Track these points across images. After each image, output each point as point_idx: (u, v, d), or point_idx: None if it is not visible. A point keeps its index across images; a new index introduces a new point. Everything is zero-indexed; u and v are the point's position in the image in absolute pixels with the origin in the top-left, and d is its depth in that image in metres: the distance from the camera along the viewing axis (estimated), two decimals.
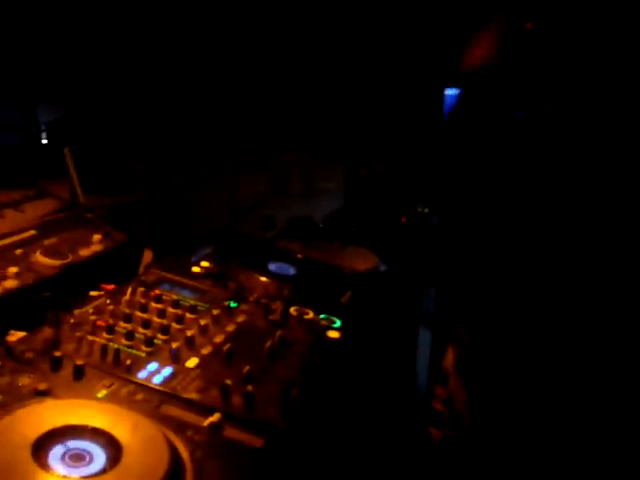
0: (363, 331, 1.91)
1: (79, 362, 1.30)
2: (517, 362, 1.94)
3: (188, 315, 1.63)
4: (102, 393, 1.27)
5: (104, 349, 1.40)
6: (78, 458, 1.05)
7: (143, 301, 1.64)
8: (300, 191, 3.31)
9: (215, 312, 1.66)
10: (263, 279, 2.00)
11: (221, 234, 2.51)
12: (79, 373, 1.30)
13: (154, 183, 2.52)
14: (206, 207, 2.80)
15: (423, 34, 3.31)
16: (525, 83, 1.88)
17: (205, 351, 1.49)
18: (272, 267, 2.16)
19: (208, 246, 2.16)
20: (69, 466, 1.03)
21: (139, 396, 1.28)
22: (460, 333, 2.13)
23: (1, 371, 1.28)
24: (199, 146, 3.10)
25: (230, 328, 1.63)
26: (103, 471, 1.04)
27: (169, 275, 1.86)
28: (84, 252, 1.89)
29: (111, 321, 1.51)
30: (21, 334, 1.42)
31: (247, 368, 1.40)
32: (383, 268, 2.38)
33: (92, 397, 1.25)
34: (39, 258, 1.76)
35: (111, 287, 1.73)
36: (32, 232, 1.91)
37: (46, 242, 1.87)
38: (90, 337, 1.45)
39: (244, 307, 1.76)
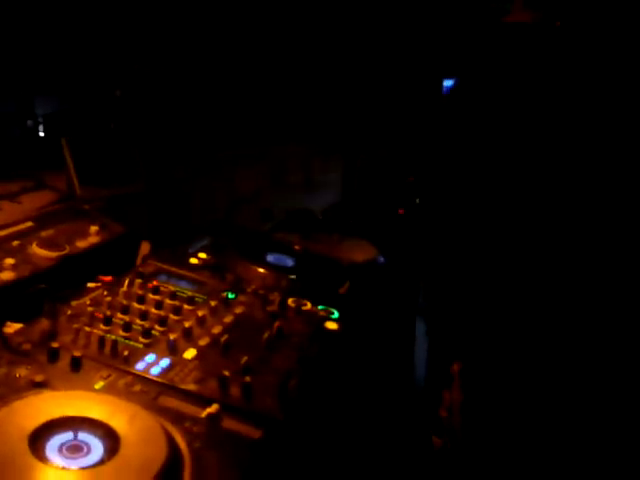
0: (361, 322, 1.91)
1: (76, 353, 1.30)
2: (512, 362, 1.94)
3: (186, 306, 1.63)
4: (99, 384, 1.26)
5: (101, 340, 1.39)
6: (76, 449, 1.05)
7: (140, 292, 1.64)
8: (298, 183, 3.30)
9: (213, 303, 1.66)
10: (261, 270, 1.99)
11: (219, 226, 2.50)
12: (76, 364, 1.29)
13: (152, 175, 2.51)
14: (204, 199, 2.79)
15: (420, 26, 3.29)
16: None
17: (203, 342, 1.48)
18: (270, 258, 2.16)
19: (206, 238, 2.15)
20: (67, 457, 1.03)
21: (137, 387, 1.27)
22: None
23: None
24: (197, 138, 3.09)
25: (228, 319, 1.62)
26: (101, 462, 1.03)
27: (167, 266, 1.86)
28: (81, 244, 1.89)
29: (108, 312, 1.50)
30: (18, 326, 1.42)
31: (245, 359, 1.40)
32: (381, 260, 2.38)
33: (89, 388, 1.25)
34: (36, 250, 1.76)
35: (108, 279, 1.73)
36: (29, 224, 1.90)
37: (43, 234, 1.87)
38: (87, 328, 1.44)
39: (242, 298, 1.76)
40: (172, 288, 1.72)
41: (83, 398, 1.18)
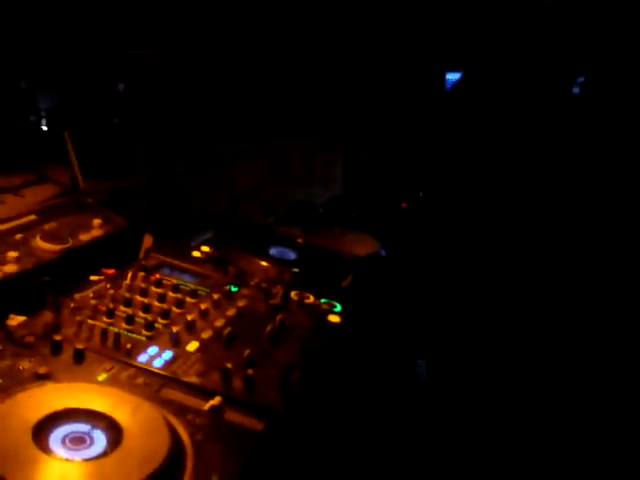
0: (363, 316, 1.91)
1: (79, 346, 1.30)
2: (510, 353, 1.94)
3: (188, 299, 1.63)
4: (102, 377, 1.27)
5: (104, 333, 1.40)
6: (79, 441, 1.05)
7: (143, 285, 1.64)
8: (300, 177, 3.30)
9: (215, 296, 1.66)
10: (264, 264, 1.99)
11: (221, 219, 2.50)
12: (79, 357, 1.30)
13: (154, 168, 2.51)
14: (206, 192, 2.79)
15: (423, 19, 3.28)
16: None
17: (206, 335, 1.49)
18: (273, 252, 2.16)
19: (208, 231, 2.16)
20: (70, 449, 1.03)
21: (139, 380, 1.28)
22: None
23: (2, 355, 1.28)
24: (199, 132, 3.09)
25: (231, 312, 1.62)
26: (104, 454, 1.04)
27: (169, 259, 1.86)
28: (84, 237, 1.89)
29: (111, 305, 1.50)
30: (21, 318, 1.42)
31: (248, 352, 1.40)
32: (383, 253, 2.38)
33: (92, 381, 1.25)
34: (39, 243, 1.76)
35: (111, 271, 1.73)
36: (32, 217, 1.90)
37: (46, 227, 1.87)
38: (90, 321, 1.45)
39: (245, 291, 1.76)
40: (175, 281, 1.72)
41: (86, 390, 1.19)
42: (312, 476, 1.53)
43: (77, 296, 1.56)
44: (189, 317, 1.51)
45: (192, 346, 1.43)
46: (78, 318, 1.44)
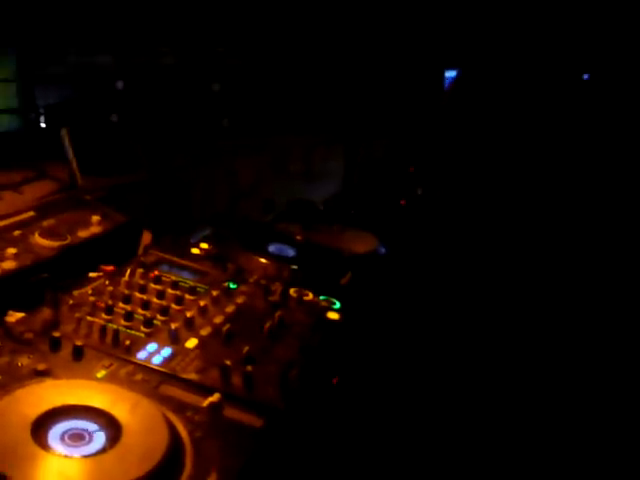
0: (362, 313, 1.91)
1: (78, 343, 1.30)
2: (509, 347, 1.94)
3: (187, 296, 1.63)
4: (101, 373, 1.27)
5: (103, 330, 1.40)
6: (78, 438, 1.05)
7: (142, 282, 1.64)
8: (299, 173, 3.30)
9: (215, 293, 1.66)
10: (263, 261, 1.99)
11: (220, 216, 2.50)
12: (78, 353, 1.30)
13: (153, 164, 2.50)
14: (205, 189, 2.79)
15: (422, 16, 3.28)
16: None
17: (204, 332, 1.48)
18: (272, 249, 2.16)
19: (207, 228, 2.15)
20: (69, 446, 1.03)
21: (138, 376, 1.28)
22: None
23: (0, 351, 1.27)
24: (198, 128, 3.09)
25: (230, 309, 1.62)
26: (103, 450, 1.04)
27: (168, 256, 1.86)
28: (83, 233, 1.89)
29: (110, 302, 1.50)
30: (20, 315, 1.42)
31: (247, 349, 1.40)
32: (382, 250, 2.38)
33: (91, 377, 1.25)
34: (38, 239, 1.76)
35: (110, 268, 1.73)
36: (31, 213, 1.90)
37: (45, 223, 1.87)
38: (89, 318, 1.44)
39: (244, 288, 1.76)
40: (174, 278, 1.72)
41: (85, 387, 1.18)
42: (311, 473, 1.53)
43: (76, 293, 1.55)
44: (188, 314, 1.51)
45: (191, 343, 1.43)
46: (77, 315, 1.43)
